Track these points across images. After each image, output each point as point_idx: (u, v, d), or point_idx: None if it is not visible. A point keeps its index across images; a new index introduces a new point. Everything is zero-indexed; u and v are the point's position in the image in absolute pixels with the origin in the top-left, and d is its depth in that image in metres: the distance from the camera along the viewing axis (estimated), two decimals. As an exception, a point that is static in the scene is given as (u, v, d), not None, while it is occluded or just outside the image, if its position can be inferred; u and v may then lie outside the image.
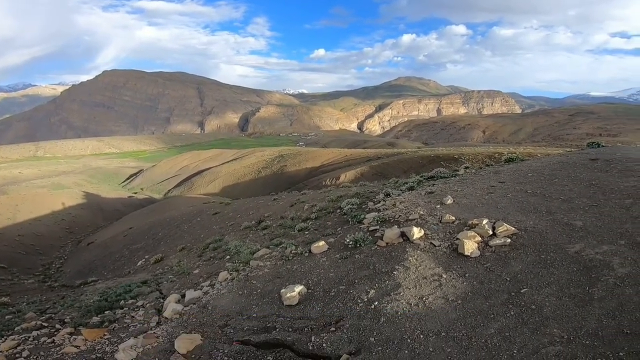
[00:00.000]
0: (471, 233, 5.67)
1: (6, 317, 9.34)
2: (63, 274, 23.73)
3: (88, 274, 19.66)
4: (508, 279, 4.62)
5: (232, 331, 4.84)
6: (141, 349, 4.65)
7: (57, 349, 5.70)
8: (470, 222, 6.13)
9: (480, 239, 5.61)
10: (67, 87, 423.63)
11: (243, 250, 9.24)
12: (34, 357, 5.59)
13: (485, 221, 5.90)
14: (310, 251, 6.98)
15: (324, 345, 4.18)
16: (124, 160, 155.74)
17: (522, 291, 4.31)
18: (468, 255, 5.31)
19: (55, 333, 6.76)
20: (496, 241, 5.47)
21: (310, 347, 4.19)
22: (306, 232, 9.57)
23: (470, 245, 5.38)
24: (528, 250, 5.14)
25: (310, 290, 5.48)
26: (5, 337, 7.10)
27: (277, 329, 4.67)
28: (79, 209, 50.53)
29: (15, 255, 28.90)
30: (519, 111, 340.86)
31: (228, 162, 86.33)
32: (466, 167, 12.51)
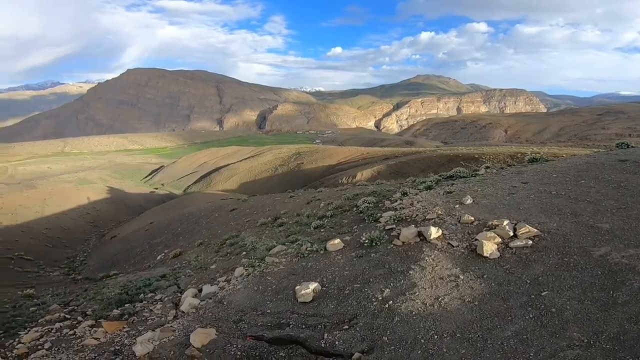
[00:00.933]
0: (491, 234, 5.54)
1: (30, 308, 9.68)
2: (87, 267, 24.58)
3: (110, 267, 20.31)
4: (528, 281, 4.50)
5: (246, 326, 4.91)
6: (158, 342, 4.76)
7: (78, 340, 5.89)
8: (490, 223, 5.99)
9: (500, 240, 5.48)
10: (93, 86, 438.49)
11: (259, 247, 9.32)
12: (56, 348, 5.79)
13: (506, 222, 5.75)
14: (325, 249, 6.98)
15: (337, 343, 4.18)
16: (146, 157, 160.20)
17: (542, 294, 4.20)
18: (487, 257, 5.19)
19: (77, 325, 6.96)
20: (517, 243, 5.33)
21: (323, 345, 4.21)
22: (322, 230, 9.57)
23: (489, 247, 5.26)
24: (551, 252, 4.98)
25: (324, 288, 5.49)
26: (28, 328, 7.36)
27: (291, 326, 4.70)
28: (104, 203, 52.26)
29: (42, 248, 30.12)
30: (544, 110, 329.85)
31: (245, 159, 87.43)
32: (487, 167, 12.23)
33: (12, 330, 7.49)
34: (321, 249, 7.04)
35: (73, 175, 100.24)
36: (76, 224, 41.57)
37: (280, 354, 4.25)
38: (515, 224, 5.70)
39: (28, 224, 36.77)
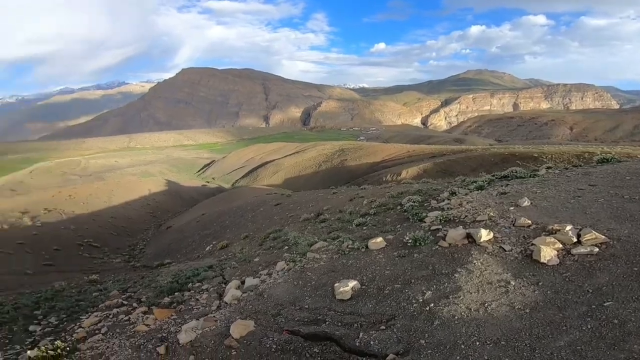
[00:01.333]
0: (550, 239, 5.09)
1: (93, 294, 10.52)
2: (145, 255, 26.50)
3: (165, 256, 21.72)
4: (590, 290, 4.12)
5: (283, 320, 4.99)
6: (200, 331, 5.01)
7: (131, 326, 6.34)
8: (550, 228, 5.53)
9: (560, 246, 5.02)
10: (153, 85, 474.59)
11: (301, 242, 9.41)
12: (111, 333, 6.27)
13: (568, 227, 5.25)
14: (367, 247, 6.89)
15: (372, 342, 4.12)
16: (199, 152, 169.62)
17: (605, 304, 3.83)
18: (544, 263, 4.80)
19: (132, 311, 7.50)
20: (580, 250, 4.84)
21: (357, 344, 4.17)
22: (364, 228, 9.45)
23: (548, 252, 4.84)
24: (619, 261, 4.49)
25: (363, 287, 5.42)
26: (89, 313, 8.04)
27: (327, 322, 4.71)
28: (162, 195, 56.06)
29: (108, 236, 33.04)
30: (616, 107, 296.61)
31: (290, 155, 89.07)
32: (548, 167, 11.30)
33: (75, 314, 8.22)
34: (362, 247, 6.96)
35: (136, 168, 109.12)
36: (138, 214, 44.94)
37: (314, 350, 4.26)
38: (580, 230, 5.19)
39: (97, 212, 40.53)
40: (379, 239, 6.88)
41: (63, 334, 6.86)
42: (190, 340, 4.76)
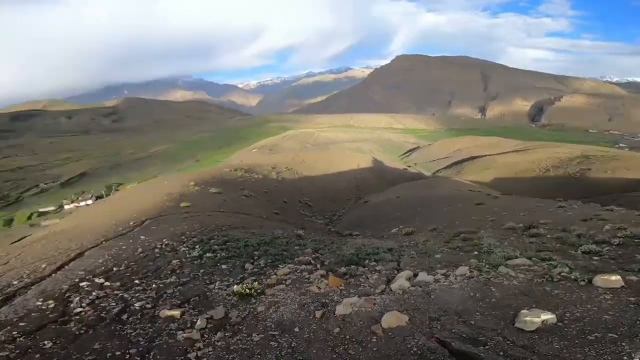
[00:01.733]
0: None
1: (295, 247, 11.75)
2: (340, 223, 29.50)
3: (355, 227, 23.51)
4: None
5: (439, 327, 4.48)
6: (356, 309, 5.05)
7: (307, 285, 6.95)
8: None
9: None
10: (371, 71, 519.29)
11: (496, 252, 8.27)
12: (292, 286, 7.06)
13: None
14: (589, 281, 5.36)
15: None
16: (407, 136, 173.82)
17: None
18: None
19: (314, 271, 8.19)
20: None
21: None
22: (594, 258, 7.23)
23: None
24: None
25: (560, 323, 4.26)
26: (286, 264, 9.16)
27: (487, 347, 3.91)
28: (367, 171, 61.16)
29: (319, 199, 38.87)
30: None
31: (507, 152, 77.57)
32: None
33: (277, 262, 9.53)
34: (582, 280, 5.44)
35: (352, 144, 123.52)
36: (346, 185, 50.65)
37: None
38: None
39: (317, 177, 48.53)
40: (615, 277, 5.20)
41: (262, 277, 8.16)
42: (344, 314, 4.91)
